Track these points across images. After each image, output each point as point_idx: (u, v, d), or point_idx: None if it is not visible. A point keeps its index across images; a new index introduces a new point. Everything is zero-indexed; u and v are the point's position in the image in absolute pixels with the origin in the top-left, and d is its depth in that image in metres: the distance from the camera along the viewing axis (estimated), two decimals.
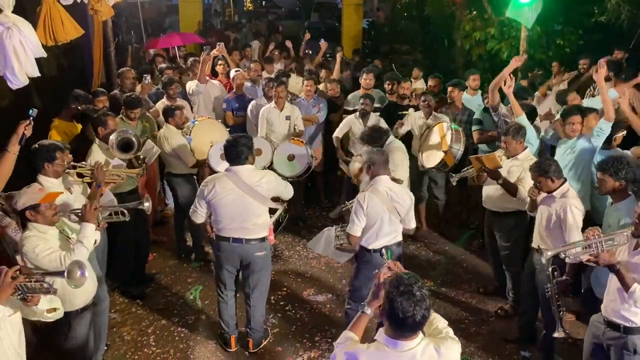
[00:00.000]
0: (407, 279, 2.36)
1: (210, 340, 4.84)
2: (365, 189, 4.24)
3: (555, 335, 4.12)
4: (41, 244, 3.36)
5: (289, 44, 10.09)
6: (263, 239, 4.45)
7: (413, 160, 6.37)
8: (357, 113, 6.49)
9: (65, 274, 2.96)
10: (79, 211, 3.66)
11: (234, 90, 7.27)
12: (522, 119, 5.23)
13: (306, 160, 6.13)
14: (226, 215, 4.29)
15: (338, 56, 8.58)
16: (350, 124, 6.55)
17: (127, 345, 4.80)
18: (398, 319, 2.30)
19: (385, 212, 4.15)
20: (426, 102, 6.28)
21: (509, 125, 5.02)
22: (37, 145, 4.07)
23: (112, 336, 4.90)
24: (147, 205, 4.12)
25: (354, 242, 4.25)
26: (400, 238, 4.37)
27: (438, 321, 2.72)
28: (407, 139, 6.44)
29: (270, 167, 6.06)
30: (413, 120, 6.43)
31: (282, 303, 5.44)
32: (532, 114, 5.80)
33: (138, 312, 5.29)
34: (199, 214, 4.40)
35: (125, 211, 4.04)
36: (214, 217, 4.37)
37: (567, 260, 3.70)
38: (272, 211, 4.56)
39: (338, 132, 6.64)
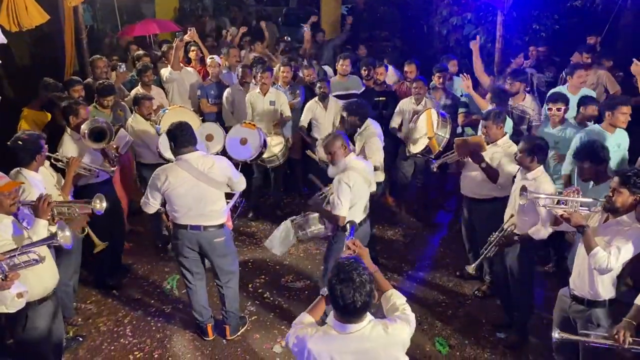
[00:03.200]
0: (347, 265, 2.40)
1: (187, 329, 4.82)
2: (340, 170, 4.29)
3: None
4: None
5: (262, 24, 9.89)
6: (221, 226, 4.40)
7: (401, 145, 6.41)
8: (317, 97, 6.54)
9: (57, 239, 3.03)
10: (34, 203, 3.55)
11: (209, 77, 7.18)
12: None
13: (259, 143, 6.05)
14: (183, 204, 4.22)
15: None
16: (312, 110, 6.59)
17: (103, 336, 4.76)
18: (340, 305, 2.36)
19: (365, 187, 4.32)
20: (417, 89, 6.29)
21: (489, 110, 5.03)
22: (19, 142, 3.99)
23: (88, 327, 4.87)
24: (102, 205, 3.90)
25: (342, 222, 4.28)
26: (367, 212, 4.57)
27: (396, 297, 2.76)
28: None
29: (224, 152, 6.01)
30: (404, 106, 6.45)
31: (260, 290, 5.43)
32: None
33: (114, 303, 5.24)
34: (151, 205, 4.31)
35: (76, 209, 3.85)
36: (170, 206, 4.30)
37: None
38: (228, 196, 4.51)
39: (302, 121, 6.66)
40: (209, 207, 4.27)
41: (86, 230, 4.31)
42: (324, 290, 2.67)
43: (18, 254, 2.88)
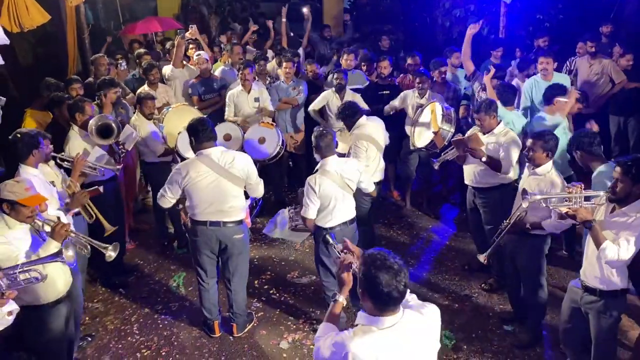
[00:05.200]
0: (379, 254, 2.30)
1: (194, 327, 4.83)
2: (318, 167, 4.35)
3: None
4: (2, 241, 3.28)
5: (269, 24, 9.86)
6: (240, 222, 4.41)
7: (406, 139, 6.38)
8: (333, 88, 6.51)
9: (62, 257, 3.02)
10: (52, 223, 3.52)
11: (200, 74, 7.11)
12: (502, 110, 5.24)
13: (277, 142, 6.06)
14: (203, 199, 4.24)
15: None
16: (327, 99, 6.55)
17: (110, 334, 4.77)
18: (383, 294, 2.23)
19: (338, 191, 4.27)
20: (420, 83, 6.24)
21: (480, 102, 4.99)
22: (18, 135, 4.02)
23: (95, 326, 4.89)
24: (111, 253, 3.69)
25: (310, 225, 4.36)
26: (353, 214, 4.50)
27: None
28: (401, 117, 6.47)
29: (241, 151, 5.99)
30: (408, 99, 6.39)
31: (266, 287, 5.44)
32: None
33: (121, 301, 5.26)
34: (167, 199, 4.32)
35: (89, 246, 3.75)
36: (190, 202, 4.31)
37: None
38: (246, 195, 4.52)
39: (314, 105, 6.62)
40: (229, 203, 4.28)
41: (94, 216, 4.32)
42: (338, 295, 2.61)
43: (19, 271, 2.84)
